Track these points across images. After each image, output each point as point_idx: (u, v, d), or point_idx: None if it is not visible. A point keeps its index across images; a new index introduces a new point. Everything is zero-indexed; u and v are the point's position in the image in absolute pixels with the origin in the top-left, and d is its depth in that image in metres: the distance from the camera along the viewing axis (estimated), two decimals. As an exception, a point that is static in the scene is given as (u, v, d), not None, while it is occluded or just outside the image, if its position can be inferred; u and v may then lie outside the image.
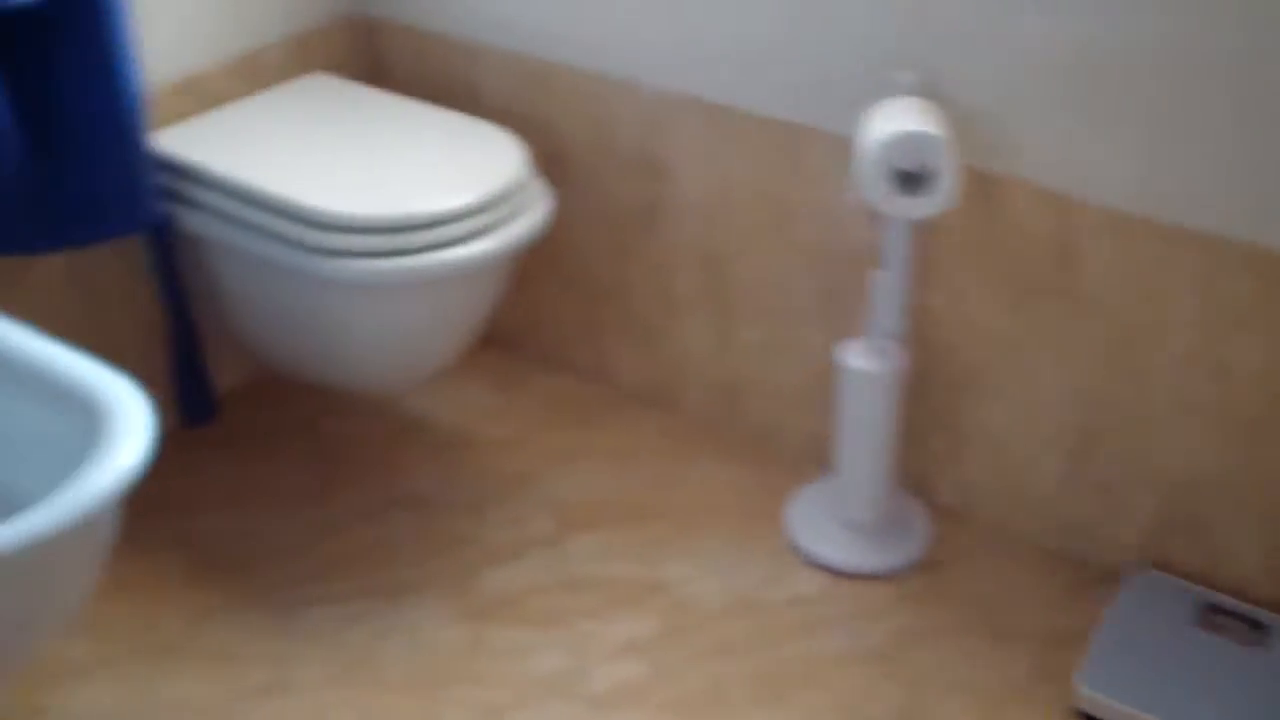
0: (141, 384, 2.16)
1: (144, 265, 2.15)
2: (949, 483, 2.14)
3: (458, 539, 2.09)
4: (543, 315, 2.48)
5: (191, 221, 2.01)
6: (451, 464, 2.24)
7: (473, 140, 2.05)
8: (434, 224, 1.87)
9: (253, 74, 2.23)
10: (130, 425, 1.55)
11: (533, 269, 2.42)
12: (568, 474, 2.22)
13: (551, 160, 2.29)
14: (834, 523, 2.09)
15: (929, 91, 1.87)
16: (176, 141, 2.04)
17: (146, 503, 2.06)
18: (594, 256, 2.35)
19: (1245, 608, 1.92)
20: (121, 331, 2.17)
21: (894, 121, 1.76)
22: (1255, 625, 1.90)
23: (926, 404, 2.09)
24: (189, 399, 2.18)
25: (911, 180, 1.77)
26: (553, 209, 2.10)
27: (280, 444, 2.28)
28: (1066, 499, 2.03)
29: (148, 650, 1.90)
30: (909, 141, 1.74)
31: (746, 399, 2.29)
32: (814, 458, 2.23)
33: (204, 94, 2.17)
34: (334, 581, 2.01)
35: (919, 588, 2.02)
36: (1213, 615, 1.91)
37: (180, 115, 2.14)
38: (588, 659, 1.89)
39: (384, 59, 2.41)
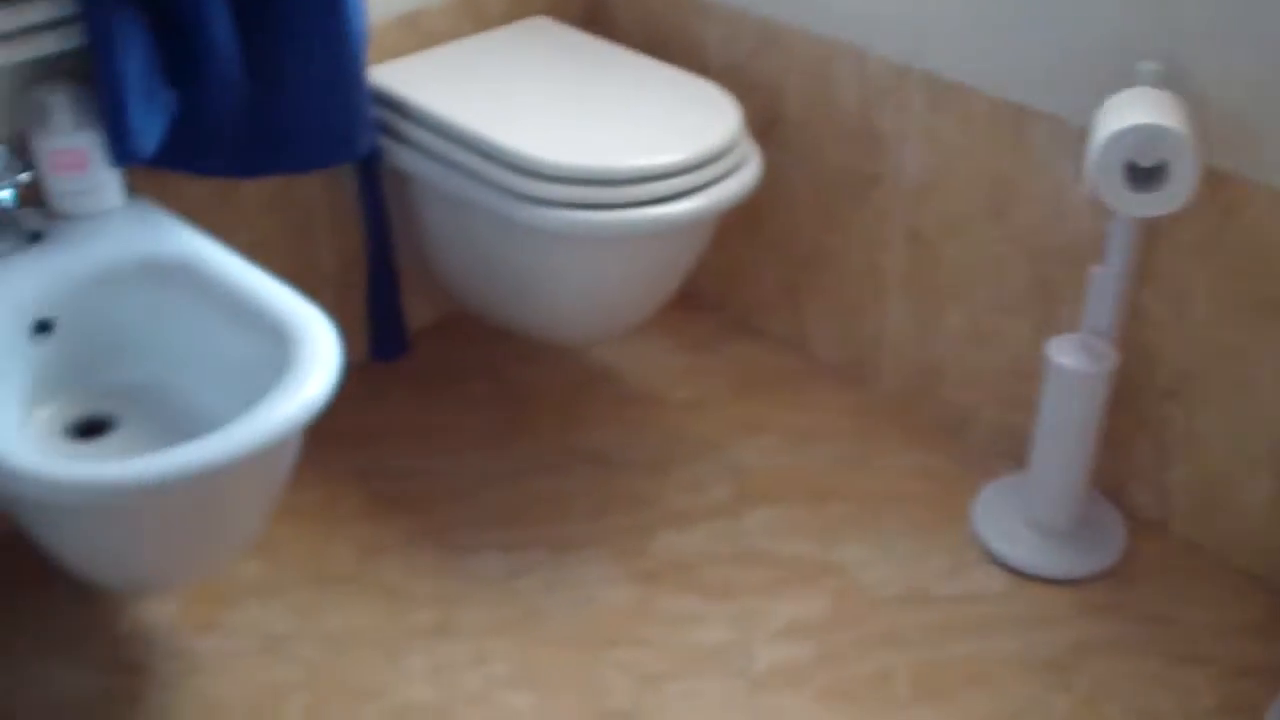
0: (334, 315, 2.19)
1: (349, 197, 2.16)
2: (1149, 492, 2.04)
3: (635, 498, 2.07)
4: (742, 279, 2.43)
5: (400, 157, 2.01)
6: (635, 421, 2.22)
7: (689, 97, 2.01)
8: (641, 179, 1.84)
9: (474, 13, 2.22)
10: (320, 358, 1.57)
11: (736, 231, 2.38)
12: (752, 443, 2.19)
13: (768, 122, 2.24)
14: (1021, 522, 2.01)
15: (1171, 84, 1.77)
16: (394, 76, 2.04)
17: (329, 433, 2.09)
18: (801, 224, 2.29)
19: None
20: (320, 260, 2.20)
21: (1132, 113, 1.67)
22: None
23: (1133, 408, 2.00)
24: (382, 333, 2.20)
25: (1144, 175, 1.68)
26: (762, 172, 2.06)
27: (466, 386, 2.29)
28: (1274, 522, 1.92)
29: (317, 579, 1.93)
30: (1147, 135, 1.64)
31: (943, 384, 2.21)
32: (1007, 452, 2.15)
33: (424, 31, 2.17)
34: (507, 528, 2.01)
35: (1104, 599, 1.93)
36: None
37: (399, 51, 2.14)
38: (752, 635, 1.86)
39: (606, 5, 2.38)
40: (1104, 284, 1.87)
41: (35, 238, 1.76)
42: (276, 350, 1.60)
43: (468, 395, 2.27)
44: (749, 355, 2.38)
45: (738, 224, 2.36)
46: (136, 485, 1.41)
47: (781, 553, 1.99)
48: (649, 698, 1.76)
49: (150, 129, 1.78)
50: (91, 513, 1.47)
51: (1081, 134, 1.88)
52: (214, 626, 1.85)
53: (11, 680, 1.76)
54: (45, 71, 1.79)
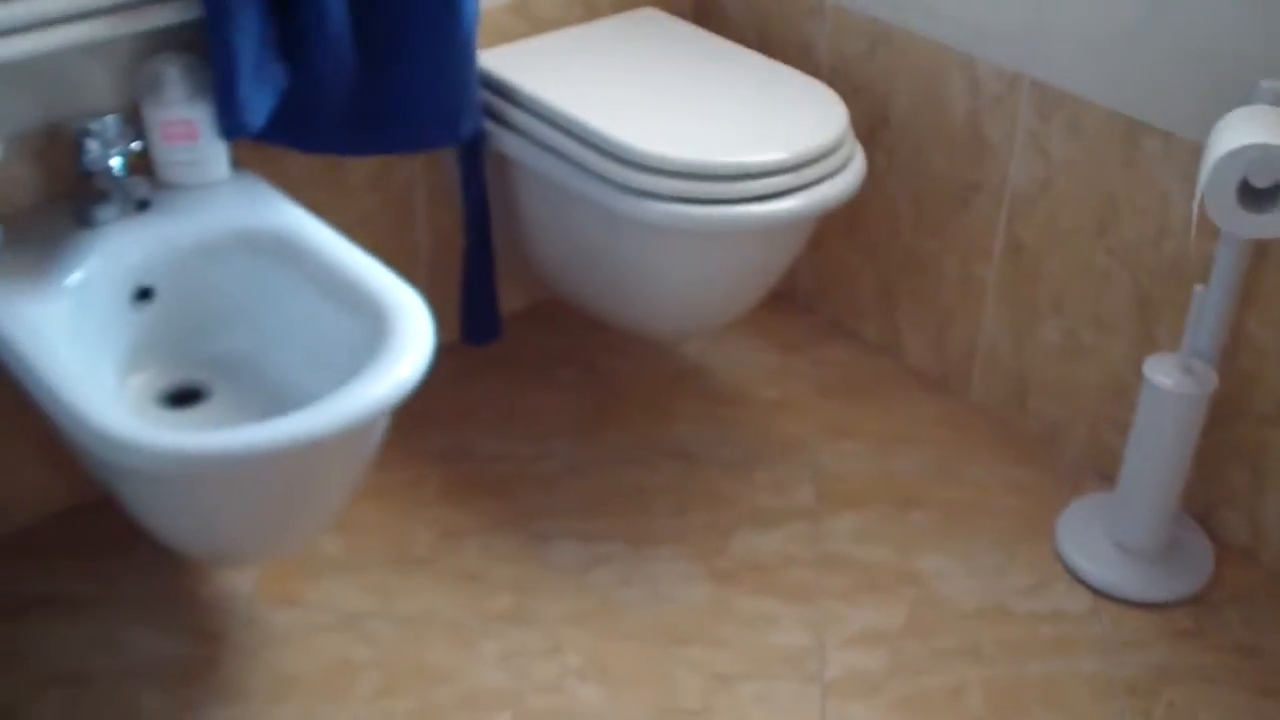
0: (428, 296, 2.21)
1: (449, 179, 2.18)
2: (1241, 519, 2.00)
3: (717, 497, 2.06)
4: (838, 281, 2.42)
5: (503, 141, 2.02)
6: (722, 419, 2.22)
7: (796, 95, 2.00)
8: (744, 176, 1.83)
9: (584, 2, 2.22)
10: (414, 339, 1.58)
11: (835, 232, 2.36)
12: (838, 447, 2.17)
13: (875, 124, 2.22)
14: (1108, 541, 1.98)
15: (1288, 104, 1.73)
16: (502, 61, 2.05)
17: (415, 414, 2.11)
18: (901, 228, 2.27)
19: None
20: (418, 241, 2.21)
21: (1250, 131, 1.63)
22: None
23: (1229, 433, 1.96)
24: (475, 317, 2.21)
25: (1259, 195, 1.65)
26: (865, 175, 2.04)
27: (555, 374, 2.30)
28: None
29: (397, 559, 1.94)
30: (1264, 155, 1.61)
31: (1035, 398, 2.19)
32: (1097, 469, 2.12)
33: (534, 17, 2.17)
34: (587, 519, 2.01)
35: (1188, 625, 1.90)
36: None
37: (509, 36, 2.15)
38: (827, 640, 1.85)
39: None
40: (1207, 304, 1.84)
41: (142, 206, 1.78)
42: (371, 329, 1.61)
43: (556, 383, 2.27)
44: (840, 358, 2.37)
45: (837, 225, 2.34)
46: (228, 456, 1.43)
47: (861, 559, 1.97)
48: (720, 697, 1.76)
49: (259, 103, 1.80)
50: (182, 481, 1.49)
51: (1195, 150, 1.84)
52: (292, 600, 1.87)
53: (91, 642, 1.80)
54: (160, 43, 1.81)
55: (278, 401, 1.68)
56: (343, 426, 1.48)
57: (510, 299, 2.38)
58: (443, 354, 2.20)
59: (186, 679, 1.76)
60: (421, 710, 1.73)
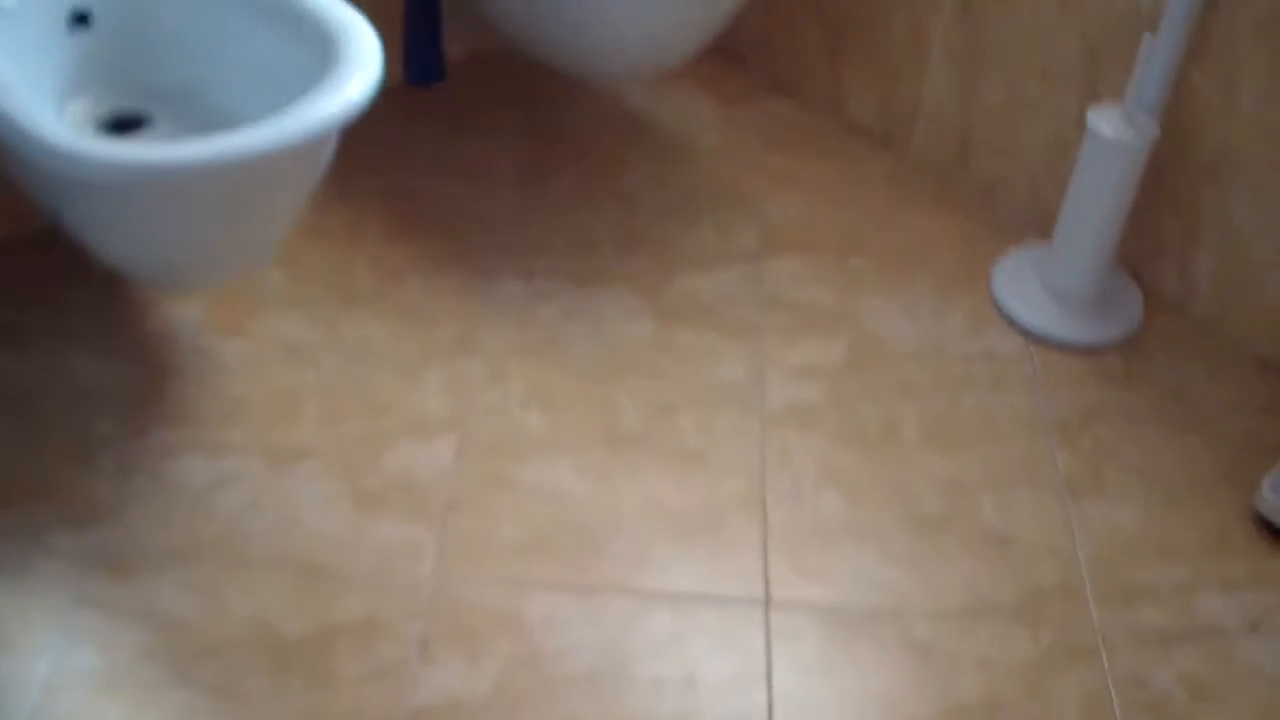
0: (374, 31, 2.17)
1: (395, -87, 2.13)
2: (1173, 271, 2.04)
3: (660, 240, 2.08)
4: (782, 36, 2.40)
5: (447, -128, 1.97)
6: (666, 168, 2.22)
7: None
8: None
9: None
10: (362, 60, 1.56)
11: (781, -16, 2.34)
12: (780, 197, 2.19)
13: None
14: (1042, 289, 2.02)
15: None
16: None
17: (356, 156, 2.10)
18: (846, -18, 2.26)
19: None
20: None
21: None
22: None
23: (1166, 185, 1.99)
24: (419, 56, 2.18)
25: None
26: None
27: (498, 120, 2.28)
28: (1294, 306, 1.93)
29: (341, 295, 1.95)
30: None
31: (977, 153, 2.20)
32: (1035, 224, 2.15)
33: None
34: (530, 258, 2.03)
35: (1117, 368, 1.95)
36: None
37: None
38: (767, 373, 1.88)
39: None
40: (1155, 53, 1.85)
41: (76, -75, 1.74)
42: (317, 53, 1.59)
43: (499, 130, 2.26)
44: (784, 113, 2.37)
45: (784, -24, 2.32)
46: (182, 166, 1.42)
47: (801, 300, 2.00)
48: (661, 424, 1.80)
49: None
50: (134, 196, 1.49)
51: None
52: (237, 331, 1.88)
53: (41, 368, 1.80)
54: None
55: (221, 129, 1.67)
56: (291, 143, 1.47)
57: (454, 47, 2.35)
58: (384, 97, 2.18)
59: (137, 404, 1.77)
60: (369, 435, 1.76)
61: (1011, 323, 2.00)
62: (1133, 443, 1.84)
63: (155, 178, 1.43)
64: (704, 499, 1.72)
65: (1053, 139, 2.09)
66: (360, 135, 1.55)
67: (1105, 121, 1.89)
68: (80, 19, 1.72)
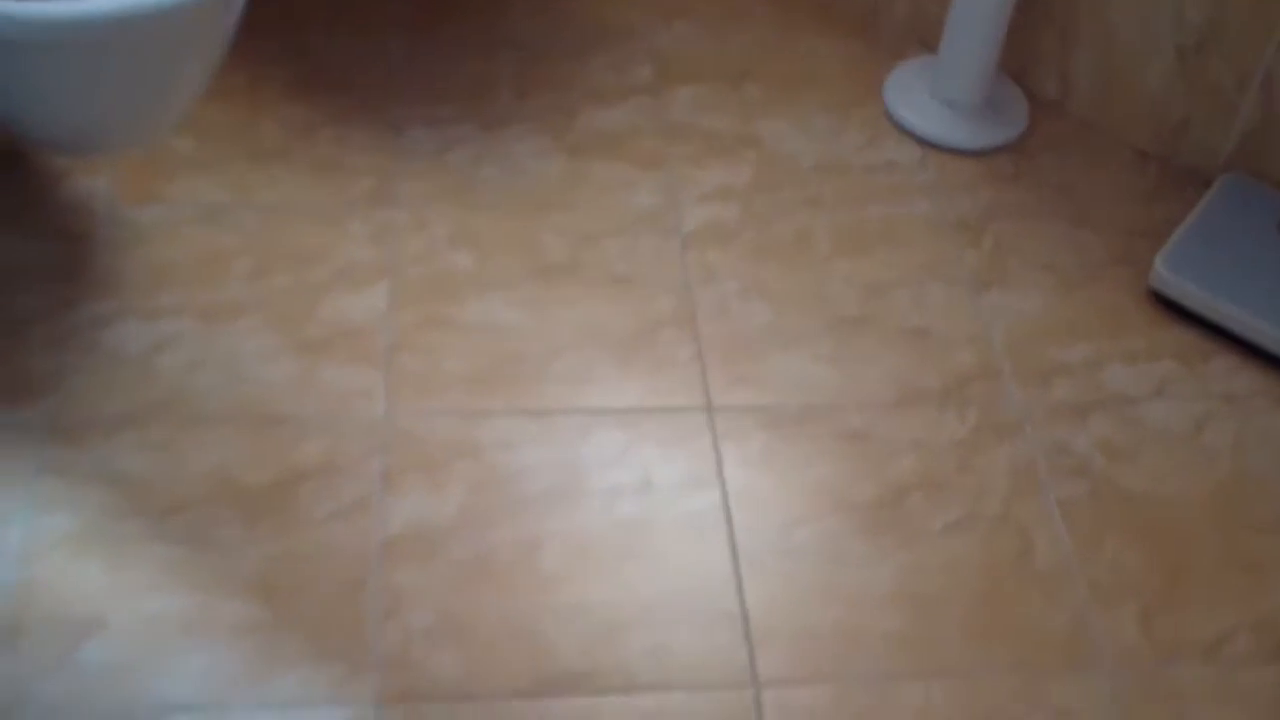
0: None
1: None
2: (1053, 74, 2.13)
3: (559, 80, 2.11)
4: None
5: None
6: (554, 10, 2.24)
7: None
8: None
9: None
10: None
11: None
12: (670, 29, 2.23)
13: None
14: (933, 99, 2.10)
15: None
16: None
17: (247, 19, 2.09)
18: None
19: (1331, 215, 1.95)
20: None
21: None
22: (1337, 234, 1.93)
23: (1040, -11, 2.07)
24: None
25: None
26: None
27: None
28: (1170, 99, 2.03)
29: (252, 154, 1.95)
30: None
31: (855, -27, 2.26)
32: (919, 38, 2.22)
33: None
34: (434, 106, 2.05)
35: (1008, 169, 2.04)
36: (1297, 220, 1.94)
37: None
38: (681, 199, 1.94)
39: None
40: None
41: None
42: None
43: (385, -15, 2.26)
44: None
45: None
46: (90, 21, 1.42)
47: (704, 127, 2.05)
48: (587, 253, 1.85)
49: None
50: (42, 53, 1.48)
51: None
52: (152, 198, 1.88)
53: (-44, 247, 1.79)
54: None
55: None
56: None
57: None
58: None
59: (61, 278, 1.77)
60: (300, 286, 1.78)
61: (906, 133, 2.08)
62: (1031, 237, 1.94)
63: (64, 35, 1.43)
64: (637, 320, 1.78)
65: (929, -46, 2.15)
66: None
67: (981, -70, 1.95)
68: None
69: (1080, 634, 1.53)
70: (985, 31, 2.01)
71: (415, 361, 1.71)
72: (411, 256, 1.83)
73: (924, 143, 2.06)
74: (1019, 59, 2.15)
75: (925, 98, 2.10)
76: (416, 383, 1.68)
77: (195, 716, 1.39)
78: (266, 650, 1.44)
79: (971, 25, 2.01)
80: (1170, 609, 1.56)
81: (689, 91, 2.11)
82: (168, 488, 1.56)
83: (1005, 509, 1.63)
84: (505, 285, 1.80)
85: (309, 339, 1.72)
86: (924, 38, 2.22)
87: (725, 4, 2.28)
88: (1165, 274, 1.85)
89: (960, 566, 1.57)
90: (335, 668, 1.43)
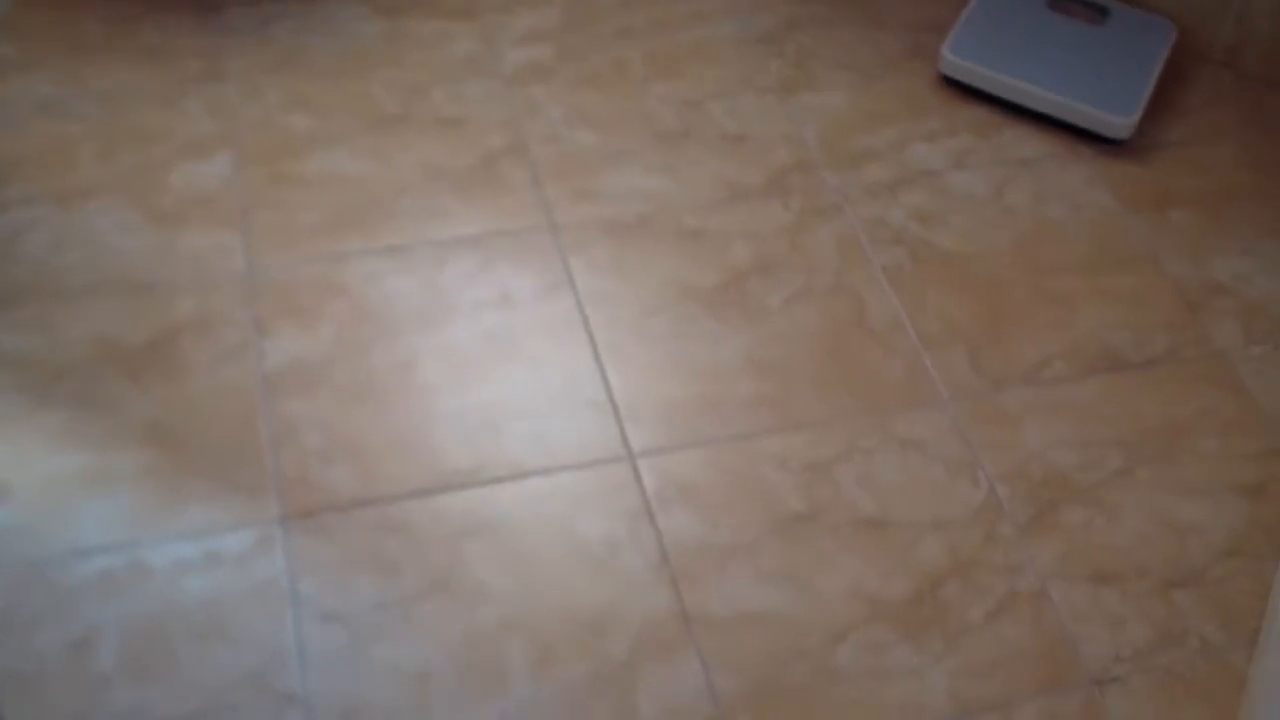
0: None
1: None
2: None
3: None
4: None
5: None
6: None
7: None
8: None
9: None
10: None
11: None
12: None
13: None
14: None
15: None
16: None
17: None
18: None
19: (1095, -9, 2.13)
20: None
21: None
22: (1099, 9, 2.09)
23: None
24: None
25: None
26: None
27: None
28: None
29: (77, 49, 1.99)
30: None
31: None
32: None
33: None
34: (250, -15, 2.11)
35: (801, -14, 2.18)
36: (1063, 1, 2.11)
37: None
38: (498, 44, 2.04)
39: None
40: None
41: None
42: None
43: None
44: None
45: None
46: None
47: (512, -23, 2.15)
48: (416, 102, 1.94)
49: None
50: None
51: None
52: (-16, 102, 1.92)
53: None
54: None
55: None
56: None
57: None
58: None
59: (-96, 182, 1.81)
60: (148, 163, 1.84)
61: (702, -37, 2.20)
62: (829, 43, 2.08)
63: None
64: (473, 156, 1.88)
65: None
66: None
67: None
68: None
69: (917, 376, 1.69)
70: None
71: (269, 217, 1.79)
72: (250, 124, 1.90)
73: (720, -30, 2.19)
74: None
75: (716, -71, 2.22)
76: (274, 236, 1.77)
77: (111, 556, 1.47)
78: (169, 489, 1.52)
79: None
80: (993, 346, 1.72)
81: (492, -53, 2.20)
82: (48, 360, 1.62)
83: (836, 279, 1.78)
84: (344, 139, 1.89)
85: (164, 209, 1.79)
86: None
87: None
88: (952, 59, 2.01)
89: (802, 333, 1.72)
90: (237, 496, 1.53)
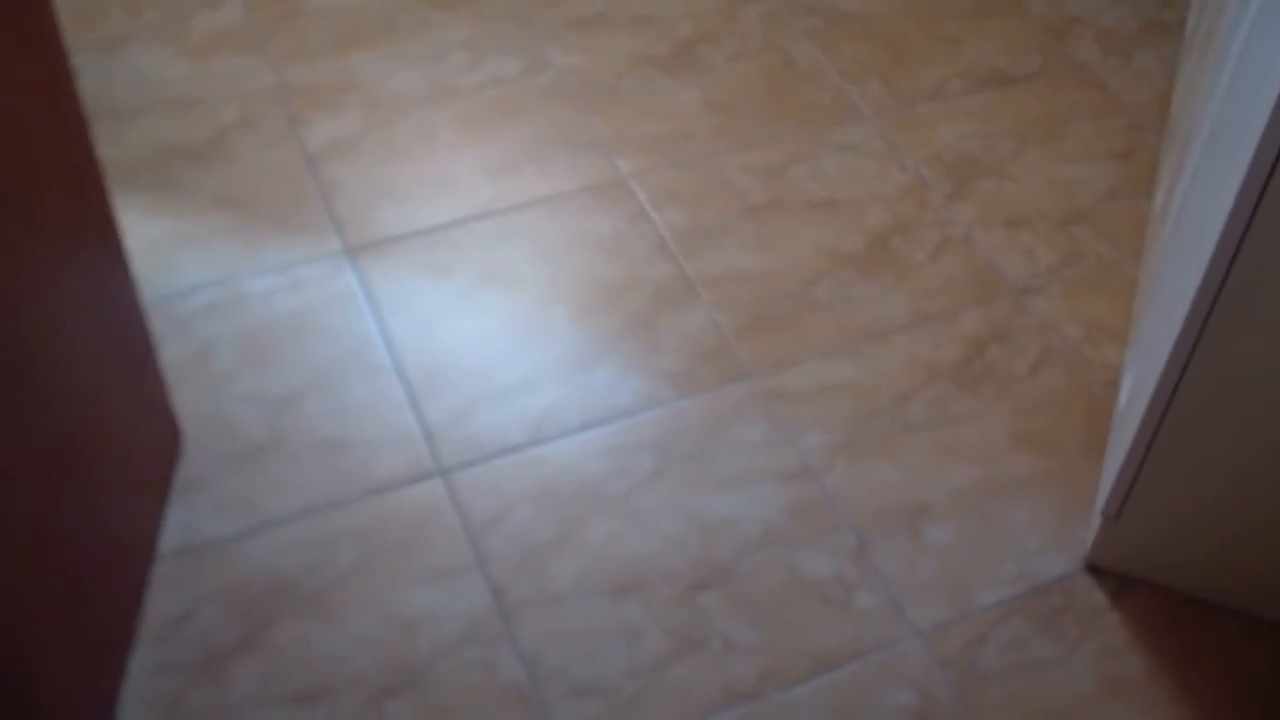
0: None
1: None
2: None
3: None
4: None
5: None
6: None
7: None
8: None
9: None
10: None
11: None
12: None
13: None
14: None
15: None
16: None
17: None
18: None
19: None
20: None
21: None
22: None
23: None
24: None
25: None
26: None
27: None
28: None
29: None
30: None
31: None
32: None
33: None
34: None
35: None
36: None
37: None
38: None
39: None
40: None
41: None
42: None
43: None
44: None
45: None
46: None
47: None
48: None
49: None
50: None
51: None
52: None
53: None
54: None
55: None
56: None
57: None
58: None
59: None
60: (170, 14, 2.15)
61: None
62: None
63: None
64: (449, -20, 2.21)
65: None
66: None
67: None
68: None
69: (842, 101, 2.05)
70: None
71: (286, 42, 2.11)
72: (251, -23, 2.22)
73: None
74: None
75: None
76: (293, 55, 2.09)
77: (212, 291, 1.78)
78: (247, 239, 1.84)
79: None
80: (901, 75, 2.10)
81: None
82: (122, 161, 1.93)
83: (765, 42, 2.14)
84: (336, -21, 2.21)
85: (193, 45, 2.10)
86: None
87: None
88: None
89: (744, 81, 2.07)
90: (304, 238, 1.84)
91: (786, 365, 1.72)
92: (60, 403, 1.25)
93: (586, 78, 2.06)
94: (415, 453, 1.61)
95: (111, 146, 1.95)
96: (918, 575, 1.51)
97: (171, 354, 1.71)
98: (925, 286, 1.81)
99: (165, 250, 1.82)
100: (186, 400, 1.65)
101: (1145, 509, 1.44)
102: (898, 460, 1.62)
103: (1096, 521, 1.51)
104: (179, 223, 1.85)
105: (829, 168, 1.95)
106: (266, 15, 2.15)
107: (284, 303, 1.77)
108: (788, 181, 1.93)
